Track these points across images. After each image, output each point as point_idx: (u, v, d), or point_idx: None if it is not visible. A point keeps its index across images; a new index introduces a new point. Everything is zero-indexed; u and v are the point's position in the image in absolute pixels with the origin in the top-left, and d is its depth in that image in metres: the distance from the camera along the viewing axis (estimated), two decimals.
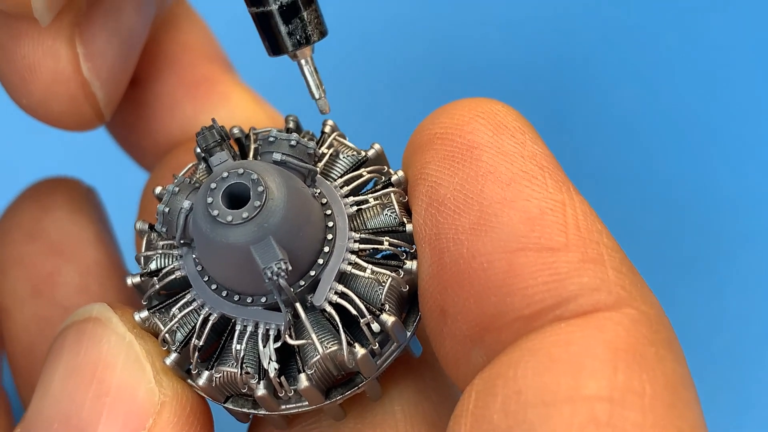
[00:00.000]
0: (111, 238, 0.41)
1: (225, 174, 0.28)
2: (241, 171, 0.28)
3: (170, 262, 0.31)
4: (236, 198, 0.29)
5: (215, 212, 0.28)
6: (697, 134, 0.57)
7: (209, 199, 0.28)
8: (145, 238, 0.32)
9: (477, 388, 0.26)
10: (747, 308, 0.52)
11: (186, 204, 0.29)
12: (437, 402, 0.33)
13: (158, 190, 0.32)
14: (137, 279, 0.31)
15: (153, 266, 0.31)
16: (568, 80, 0.59)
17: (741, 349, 0.52)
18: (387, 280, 0.29)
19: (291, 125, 0.33)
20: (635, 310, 0.26)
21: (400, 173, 0.31)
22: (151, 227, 0.32)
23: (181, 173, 0.32)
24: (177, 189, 0.30)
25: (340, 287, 0.29)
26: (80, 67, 0.35)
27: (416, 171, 0.30)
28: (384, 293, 0.29)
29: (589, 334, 0.26)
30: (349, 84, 0.58)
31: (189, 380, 0.30)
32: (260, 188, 0.28)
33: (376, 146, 0.32)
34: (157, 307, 0.31)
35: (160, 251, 0.31)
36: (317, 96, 0.33)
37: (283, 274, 0.27)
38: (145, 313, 0.31)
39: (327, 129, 0.33)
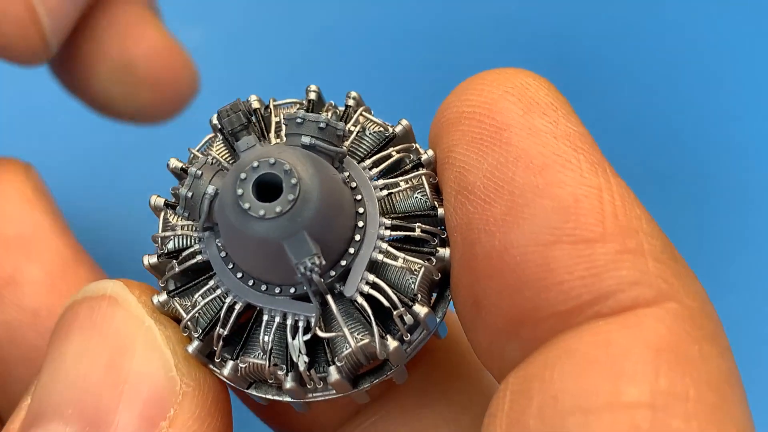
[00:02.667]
0: (65, 222, 0.39)
1: (255, 164, 0.27)
2: (272, 161, 0.27)
3: (188, 243, 0.30)
4: (266, 186, 0.27)
5: (246, 205, 0.26)
6: (697, 132, 0.57)
7: (239, 191, 0.27)
8: (161, 217, 0.31)
9: (512, 387, 0.25)
10: (747, 308, 0.52)
11: (210, 189, 0.28)
12: (462, 385, 0.32)
13: (173, 162, 0.30)
14: (155, 260, 0.30)
15: (170, 246, 0.30)
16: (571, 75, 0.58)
17: (741, 349, 0.52)
18: (420, 269, 0.28)
19: (312, 97, 0.31)
20: (677, 304, 0.25)
21: (430, 152, 0.30)
22: (168, 205, 0.31)
23: (198, 147, 0.30)
24: (200, 172, 0.28)
25: (372, 277, 0.28)
26: None
27: (443, 153, 0.29)
28: (417, 284, 0.28)
29: (628, 333, 0.24)
30: (370, 54, 0.56)
31: (212, 366, 0.29)
32: (293, 180, 0.26)
33: (404, 122, 0.31)
34: (178, 292, 0.30)
35: (180, 233, 0.30)
36: None
37: (316, 269, 0.26)
38: (164, 297, 0.29)
39: (351, 102, 0.31)
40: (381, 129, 0.31)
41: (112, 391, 0.27)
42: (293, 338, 0.28)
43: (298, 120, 0.29)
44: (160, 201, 0.31)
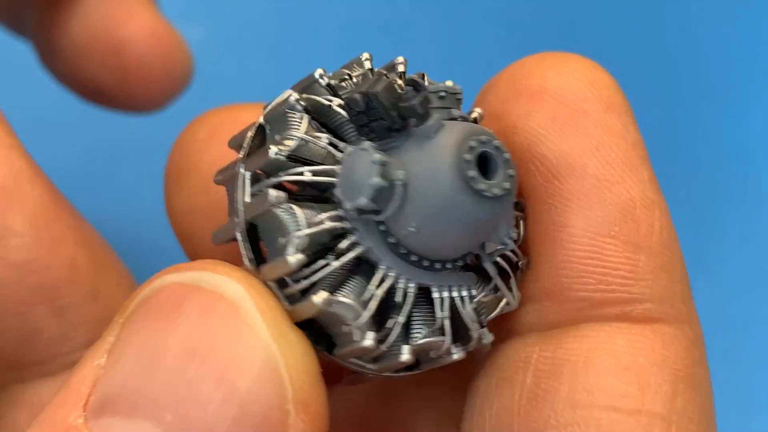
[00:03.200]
0: (35, 164, 0.33)
1: (473, 142, 0.26)
2: (484, 138, 0.26)
3: (332, 236, 0.27)
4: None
5: (481, 186, 0.25)
6: (698, 130, 0.58)
7: (470, 173, 0.25)
8: (298, 210, 0.26)
9: (537, 365, 0.27)
10: (747, 308, 0.53)
11: (400, 175, 0.26)
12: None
13: (277, 150, 0.27)
14: (296, 258, 0.26)
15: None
16: None
17: (741, 350, 0.52)
18: (521, 225, 0.29)
19: (369, 66, 0.29)
20: (691, 331, 0.28)
21: (479, 110, 0.30)
22: (292, 196, 0.27)
23: (302, 130, 0.27)
24: (385, 159, 0.26)
25: None
26: None
27: (514, 119, 0.29)
28: (521, 236, 0.29)
29: (656, 350, 0.27)
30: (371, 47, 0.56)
31: (359, 361, 0.27)
32: (506, 155, 0.26)
33: (449, 84, 0.30)
34: (336, 288, 0.27)
35: (327, 225, 0.26)
36: None
37: (512, 243, 0.27)
38: (325, 295, 0.26)
39: (402, 68, 0.29)
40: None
41: (222, 410, 0.24)
42: (464, 308, 0.27)
43: (441, 94, 0.28)
44: (282, 196, 0.26)
